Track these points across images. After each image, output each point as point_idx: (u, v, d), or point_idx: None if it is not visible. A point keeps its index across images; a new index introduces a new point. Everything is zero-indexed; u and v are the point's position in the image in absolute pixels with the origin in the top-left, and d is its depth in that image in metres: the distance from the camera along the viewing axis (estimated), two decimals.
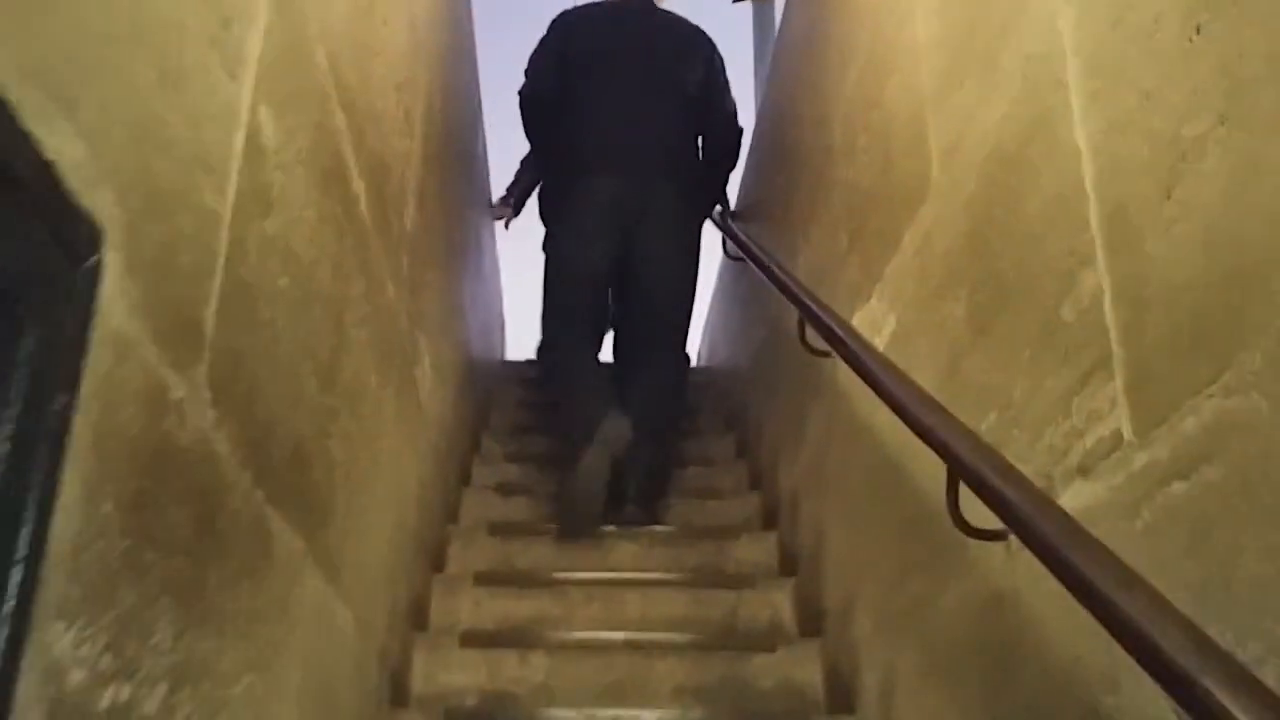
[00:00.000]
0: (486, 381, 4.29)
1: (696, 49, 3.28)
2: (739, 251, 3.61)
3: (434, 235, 2.57)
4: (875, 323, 2.09)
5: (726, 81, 3.40)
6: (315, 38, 1.39)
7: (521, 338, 5.62)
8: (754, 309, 3.70)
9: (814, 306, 2.26)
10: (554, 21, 3.29)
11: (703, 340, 5.24)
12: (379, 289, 1.85)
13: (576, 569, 2.86)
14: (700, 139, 3.34)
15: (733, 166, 3.52)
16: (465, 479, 3.42)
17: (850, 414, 2.25)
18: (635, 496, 2.96)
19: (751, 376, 3.68)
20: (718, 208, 3.55)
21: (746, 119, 3.68)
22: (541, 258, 3.40)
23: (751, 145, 3.98)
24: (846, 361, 1.95)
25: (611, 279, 3.20)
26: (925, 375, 1.70)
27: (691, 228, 3.30)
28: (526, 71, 3.28)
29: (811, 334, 2.34)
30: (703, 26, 3.50)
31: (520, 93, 3.30)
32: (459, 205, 3.19)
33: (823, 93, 2.66)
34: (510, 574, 2.84)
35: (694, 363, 5.27)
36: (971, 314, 1.56)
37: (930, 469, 1.46)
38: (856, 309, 2.23)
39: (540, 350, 3.34)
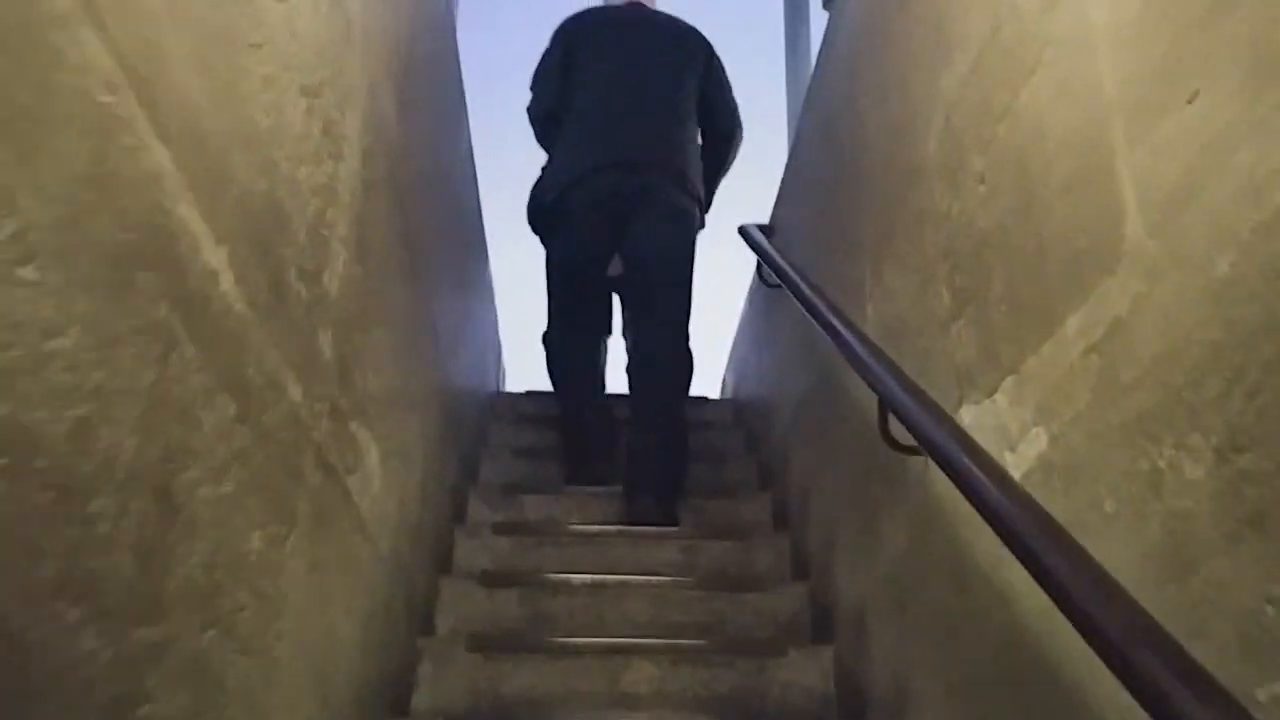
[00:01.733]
0: (478, 421, 3.66)
1: (696, 48, 3.30)
2: (777, 279, 2.97)
3: (388, 281, 1.93)
4: (1004, 431, 1.45)
5: (728, 80, 3.40)
6: (78, 18, 0.75)
7: (522, 366, 4.99)
8: (795, 348, 3.05)
9: (906, 398, 1.61)
10: (555, 32, 3.32)
11: (728, 370, 4.59)
12: (267, 400, 1.22)
13: (584, 699, 2.24)
14: (702, 137, 3.33)
15: (731, 163, 3.49)
16: (445, 565, 2.79)
17: (953, 541, 1.61)
18: (652, 487, 2.96)
19: (793, 429, 3.04)
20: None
21: (777, 116, 3.10)
22: (536, 274, 3.38)
23: (793, 149, 3.32)
24: (961, 489, 1.32)
25: (606, 267, 3.23)
26: (1120, 552, 1.06)
27: (689, 222, 3.24)
28: (532, 88, 3.33)
29: (897, 426, 1.70)
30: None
31: (528, 110, 3.34)
32: (434, 230, 2.55)
33: (903, 92, 2.00)
34: (496, 711, 2.22)
35: (719, 395, 4.67)
36: (1235, 483, 0.92)
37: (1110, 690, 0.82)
38: (967, 401, 1.59)
39: (544, 339, 3.37)
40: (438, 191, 2.63)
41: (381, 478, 1.89)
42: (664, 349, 3.08)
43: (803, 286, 2.43)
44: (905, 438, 1.71)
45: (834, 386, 2.45)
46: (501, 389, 4.37)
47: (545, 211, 3.21)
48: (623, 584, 2.73)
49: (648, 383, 3.04)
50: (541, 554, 2.88)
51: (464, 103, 3.12)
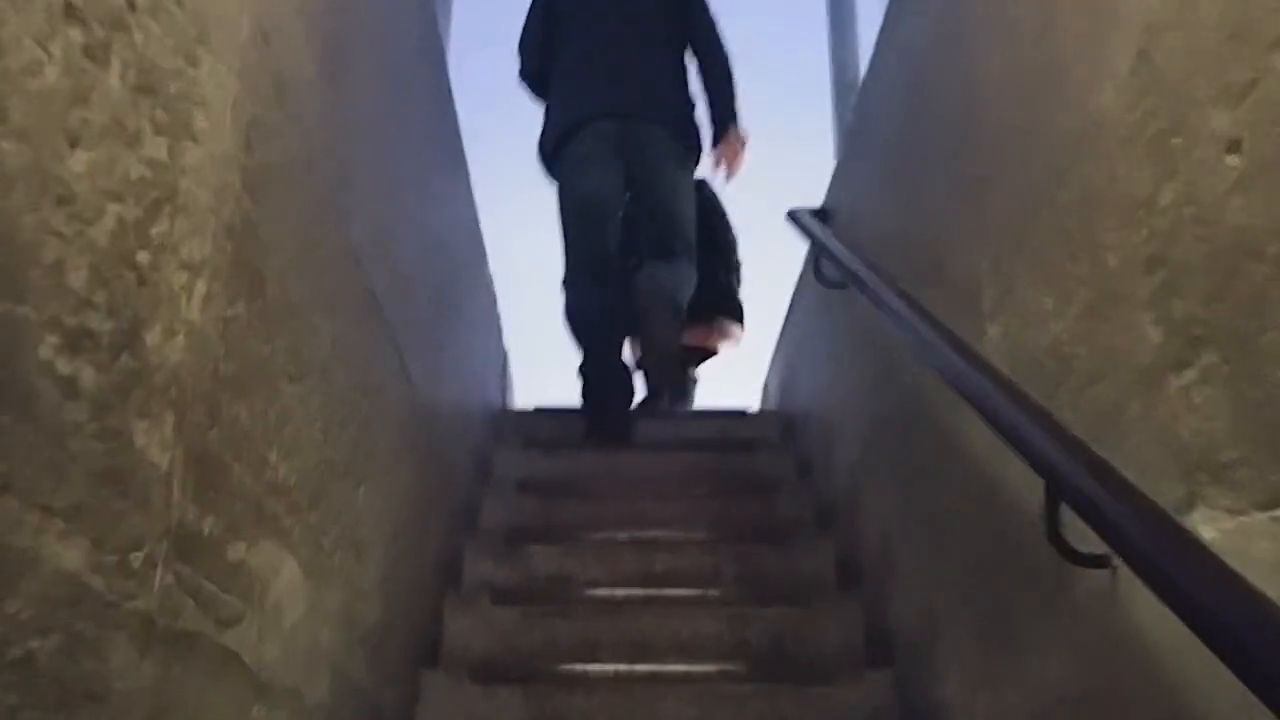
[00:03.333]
0: (477, 453, 3.08)
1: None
2: (840, 278, 2.37)
3: (314, 313, 1.34)
4: None
5: (708, 4, 3.37)
6: None
7: (533, 381, 4.38)
8: (866, 361, 2.44)
9: (1100, 492, 1.02)
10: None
11: (770, 374, 3.98)
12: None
13: None
14: (696, 64, 3.32)
15: (732, 86, 3.34)
16: (429, 656, 2.21)
17: (1175, 708, 1.02)
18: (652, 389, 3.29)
19: (866, 462, 2.43)
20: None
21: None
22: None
23: (859, 110, 2.70)
24: (1225, 656, 0.74)
25: (617, 209, 3.23)
26: None
27: (688, 164, 3.30)
28: (518, 51, 3.35)
29: (1072, 521, 1.11)
30: None
31: (519, 73, 3.37)
32: (404, 234, 1.96)
33: (1049, 19, 1.38)
34: None
35: (759, 406, 4.06)
36: None
37: None
38: (1206, 504, 0.98)
39: (562, 285, 3.29)
40: (408, 184, 2.04)
41: (305, 598, 1.31)
42: (663, 285, 3.23)
43: (888, 294, 1.83)
44: (1086, 543, 1.13)
45: (933, 423, 1.84)
46: (508, 406, 3.78)
47: (547, 161, 3.27)
48: (654, 676, 2.15)
49: (648, 323, 3.26)
50: (552, 629, 2.30)
51: (445, 70, 2.52)
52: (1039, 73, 1.41)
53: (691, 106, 3.27)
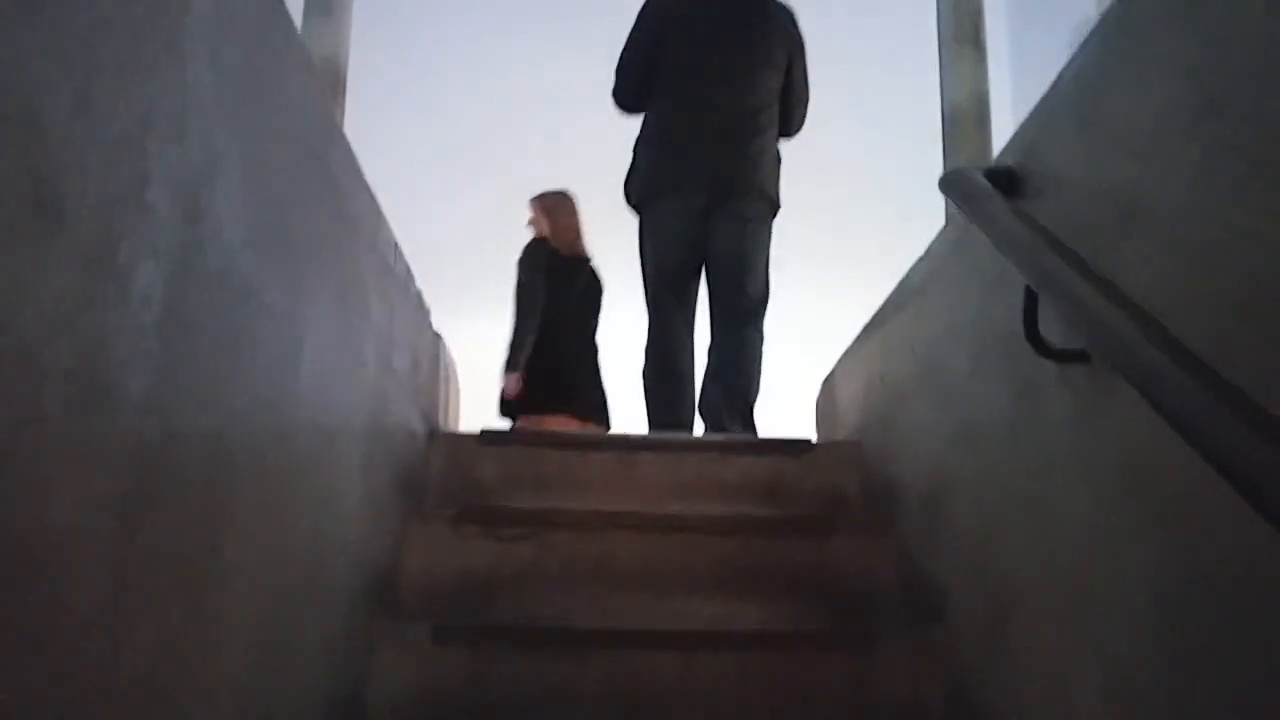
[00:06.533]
0: (367, 537, 1.83)
1: (787, 36, 3.14)
2: (1080, 326, 1.09)
3: None
4: None
5: (807, 65, 3.20)
6: None
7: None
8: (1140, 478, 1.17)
9: None
10: (642, 13, 3.16)
11: (838, 382, 2.68)
12: None
13: None
14: (782, 109, 3.15)
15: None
16: None
17: None
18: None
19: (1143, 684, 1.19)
20: None
21: None
22: None
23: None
24: None
25: (699, 259, 3.09)
26: None
27: (765, 228, 3.10)
28: (617, 72, 3.17)
29: None
30: None
31: (613, 93, 3.20)
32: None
33: None
34: None
35: (814, 428, 2.80)
36: None
37: None
38: None
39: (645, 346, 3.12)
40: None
41: None
42: (748, 354, 3.01)
43: None
44: None
45: None
46: (441, 427, 2.46)
47: (634, 208, 3.16)
48: None
49: (724, 382, 2.96)
50: None
51: None
52: None
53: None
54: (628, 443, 2.43)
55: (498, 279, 3.73)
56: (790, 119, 3.13)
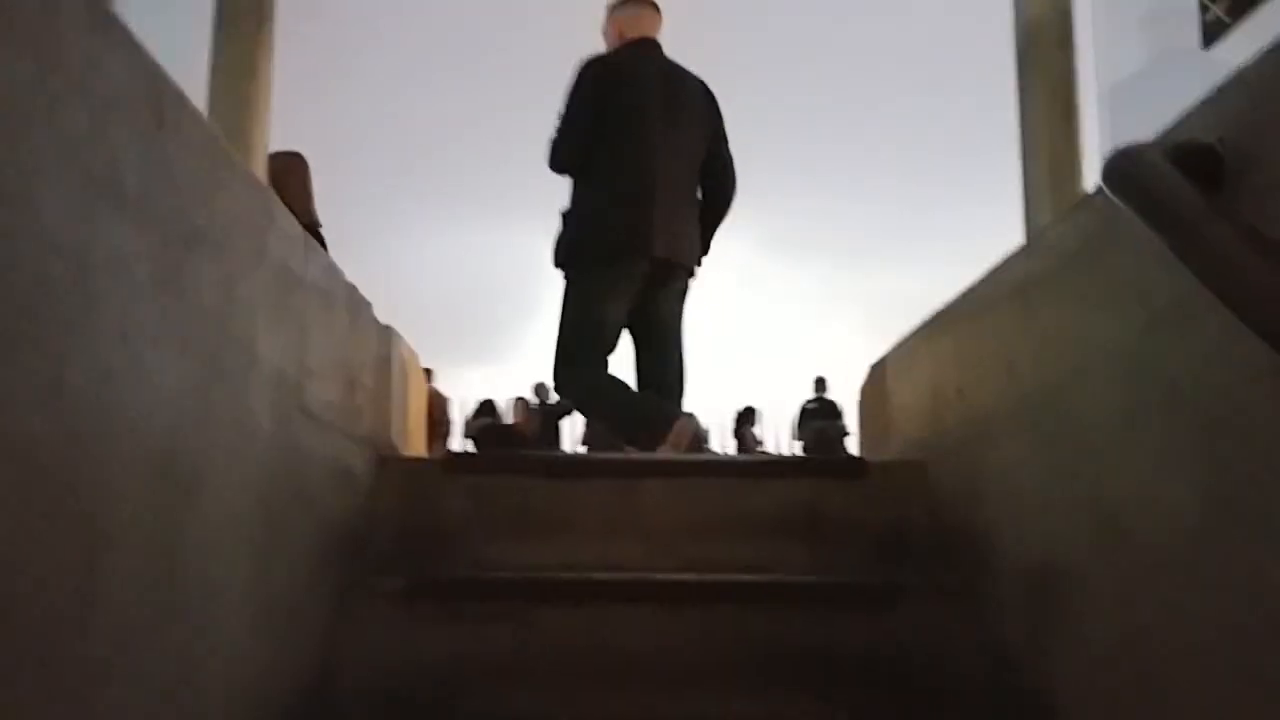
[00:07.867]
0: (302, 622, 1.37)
1: (713, 109, 3.23)
2: None
3: None
4: None
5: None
6: None
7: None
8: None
9: None
10: (581, 76, 3.14)
11: (890, 368, 2.16)
12: None
13: None
14: (702, 192, 3.20)
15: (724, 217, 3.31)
16: None
17: None
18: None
19: None
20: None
21: None
22: None
23: None
24: None
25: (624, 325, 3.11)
26: None
27: (685, 295, 3.21)
28: (559, 131, 3.11)
29: None
30: None
31: (552, 147, 3.13)
32: None
33: None
34: None
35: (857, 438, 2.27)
36: None
37: None
38: None
39: (554, 377, 3.13)
40: None
41: None
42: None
43: None
44: None
45: None
46: (394, 452, 1.97)
47: (567, 265, 3.07)
48: None
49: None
50: None
51: None
52: None
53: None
54: (629, 467, 1.94)
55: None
56: (720, 194, 3.19)
